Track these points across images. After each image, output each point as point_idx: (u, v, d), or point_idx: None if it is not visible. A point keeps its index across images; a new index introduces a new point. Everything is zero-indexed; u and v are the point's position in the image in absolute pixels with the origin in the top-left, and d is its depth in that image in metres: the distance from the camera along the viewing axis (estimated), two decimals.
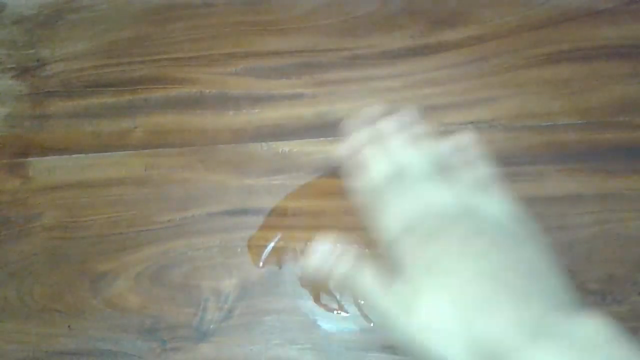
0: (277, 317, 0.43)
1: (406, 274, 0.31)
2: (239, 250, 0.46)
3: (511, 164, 0.47)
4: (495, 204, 0.35)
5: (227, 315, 0.44)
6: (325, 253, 0.36)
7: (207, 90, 0.52)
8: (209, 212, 0.48)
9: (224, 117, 0.51)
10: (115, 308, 0.45)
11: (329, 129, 0.50)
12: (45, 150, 0.52)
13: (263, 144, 0.50)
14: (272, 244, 0.46)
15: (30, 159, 0.51)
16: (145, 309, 0.45)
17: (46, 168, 0.51)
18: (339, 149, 0.39)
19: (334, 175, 0.48)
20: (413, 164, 0.37)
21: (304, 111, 0.51)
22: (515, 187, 0.45)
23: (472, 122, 0.49)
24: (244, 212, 0.47)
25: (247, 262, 0.46)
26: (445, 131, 0.48)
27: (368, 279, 0.34)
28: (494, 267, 0.29)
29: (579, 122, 0.48)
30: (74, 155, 0.51)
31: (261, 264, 0.46)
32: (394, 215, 0.35)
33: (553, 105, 0.49)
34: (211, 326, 0.44)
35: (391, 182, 0.37)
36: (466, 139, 0.39)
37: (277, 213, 0.47)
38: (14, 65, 0.55)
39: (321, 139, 0.49)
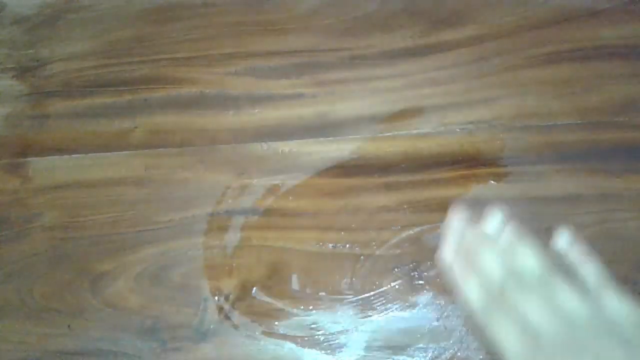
0: (277, 317, 0.43)
1: None
2: (239, 250, 0.46)
3: (511, 164, 0.47)
4: (623, 305, 0.33)
5: (228, 315, 0.44)
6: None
7: (207, 90, 0.52)
8: (209, 212, 0.48)
9: (224, 117, 0.51)
10: (115, 308, 0.45)
11: (329, 129, 0.50)
12: (45, 150, 0.52)
13: (263, 144, 0.50)
14: None
15: (30, 159, 0.51)
16: (145, 309, 0.45)
17: (46, 168, 0.51)
18: (442, 256, 0.39)
19: (333, 175, 0.48)
20: (528, 268, 0.35)
21: (304, 111, 0.51)
22: (515, 187, 0.46)
23: (472, 122, 0.49)
24: (244, 212, 0.47)
25: (247, 262, 0.46)
26: (446, 131, 0.48)
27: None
28: None
29: (579, 122, 0.48)
30: (74, 155, 0.51)
31: None
32: (516, 327, 0.33)
33: (553, 105, 0.49)
34: (211, 326, 0.44)
35: (508, 290, 0.34)
36: (568, 237, 0.38)
37: (277, 213, 0.47)
38: (14, 65, 0.55)
39: (321, 139, 0.49)
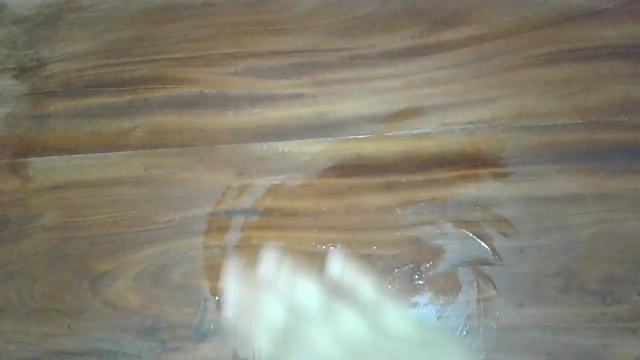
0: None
1: None
2: (240, 250, 0.46)
3: (511, 164, 0.47)
4: (400, 320, 0.34)
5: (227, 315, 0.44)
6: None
7: (207, 90, 0.52)
8: (209, 212, 0.48)
9: (224, 117, 0.51)
10: (115, 308, 0.45)
11: (329, 129, 0.50)
12: (45, 150, 0.52)
13: (263, 144, 0.50)
14: None
15: (30, 159, 0.51)
16: (145, 309, 0.45)
17: (46, 168, 0.51)
18: (227, 317, 0.36)
19: (333, 175, 0.48)
20: (307, 301, 0.35)
21: (304, 111, 0.51)
22: (515, 187, 0.46)
23: (472, 122, 0.49)
24: (244, 212, 0.47)
25: (247, 262, 0.46)
26: (446, 131, 0.48)
27: None
28: None
29: (579, 122, 0.48)
30: (74, 155, 0.51)
31: None
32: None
33: (553, 105, 0.49)
34: (211, 326, 0.44)
35: (293, 329, 0.33)
36: (339, 260, 0.37)
37: (277, 213, 0.47)
38: (14, 65, 0.55)
39: (321, 139, 0.49)
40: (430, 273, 0.44)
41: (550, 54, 0.51)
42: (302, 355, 0.32)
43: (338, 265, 0.37)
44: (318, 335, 0.32)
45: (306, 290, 0.34)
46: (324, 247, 0.45)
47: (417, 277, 0.44)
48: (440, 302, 0.43)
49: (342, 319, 0.33)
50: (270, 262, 0.38)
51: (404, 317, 0.34)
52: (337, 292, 0.35)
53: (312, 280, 0.35)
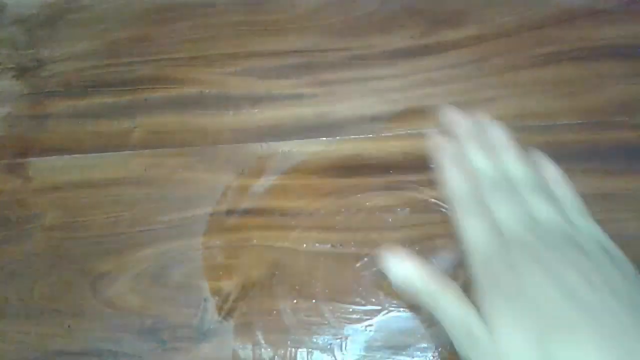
0: (278, 317, 0.43)
1: (500, 296, 0.30)
2: (239, 250, 0.46)
3: None
4: (594, 229, 0.35)
5: (228, 316, 0.44)
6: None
7: (207, 90, 0.52)
8: (209, 212, 0.48)
9: (224, 117, 0.51)
10: (115, 308, 0.45)
11: (329, 128, 0.50)
12: (45, 150, 0.52)
13: (263, 144, 0.50)
14: None
15: (30, 159, 0.51)
16: (146, 309, 0.45)
17: (46, 168, 0.51)
18: (434, 141, 0.41)
19: (334, 175, 0.48)
20: (515, 172, 0.37)
21: (304, 111, 0.51)
22: None
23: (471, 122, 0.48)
24: (244, 212, 0.47)
25: (248, 262, 0.46)
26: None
27: (451, 301, 0.33)
28: (593, 298, 0.28)
29: (579, 122, 0.48)
30: (74, 155, 0.51)
31: None
32: (485, 222, 0.34)
33: (553, 105, 0.49)
34: (211, 326, 0.44)
35: (488, 187, 0.36)
36: (545, 159, 0.41)
37: (277, 213, 0.47)
38: (13, 65, 0.55)
39: (321, 138, 0.49)
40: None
41: (550, 54, 0.51)
42: (484, 213, 0.35)
43: (544, 161, 0.41)
44: (508, 204, 0.34)
45: (514, 162, 0.38)
46: (323, 247, 0.45)
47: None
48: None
49: (536, 201, 0.35)
50: (488, 123, 0.42)
51: (592, 223, 0.36)
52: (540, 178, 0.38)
53: (523, 156, 0.39)
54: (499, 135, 0.41)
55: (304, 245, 0.46)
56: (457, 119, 0.43)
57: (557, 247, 0.31)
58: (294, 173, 0.48)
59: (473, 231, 0.34)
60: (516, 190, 0.36)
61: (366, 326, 0.42)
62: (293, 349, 0.42)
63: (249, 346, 0.43)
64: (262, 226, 0.47)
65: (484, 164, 0.38)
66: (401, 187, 0.47)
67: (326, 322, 0.43)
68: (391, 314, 0.43)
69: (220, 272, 0.45)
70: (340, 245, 0.45)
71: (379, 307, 0.43)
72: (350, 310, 0.43)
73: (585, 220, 0.36)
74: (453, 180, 0.38)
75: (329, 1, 0.55)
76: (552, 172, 0.40)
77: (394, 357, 0.41)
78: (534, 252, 0.31)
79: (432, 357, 0.41)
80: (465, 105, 0.49)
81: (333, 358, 0.42)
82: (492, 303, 0.30)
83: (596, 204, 0.44)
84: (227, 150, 0.50)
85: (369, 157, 0.48)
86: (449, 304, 0.33)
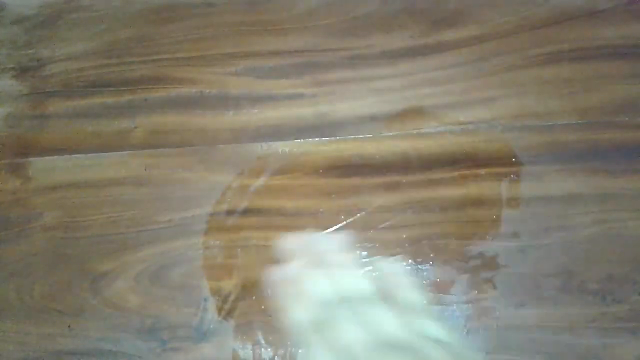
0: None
1: None
2: (239, 250, 0.46)
3: (511, 163, 0.47)
4: (444, 333, 0.33)
5: (227, 315, 0.44)
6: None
7: (207, 90, 0.52)
8: (209, 212, 0.48)
9: (224, 117, 0.51)
10: (115, 308, 0.45)
11: (328, 128, 0.50)
12: (45, 150, 0.52)
13: (263, 144, 0.50)
14: None
15: (30, 159, 0.51)
16: (145, 309, 0.45)
17: (46, 168, 0.51)
18: (275, 274, 0.38)
19: (333, 175, 0.48)
20: (355, 289, 0.35)
21: (304, 111, 0.51)
22: (515, 186, 0.46)
23: (472, 122, 0.49)
24: (244, 212, 0.47)
25: (248, 262, 0.46)
26: (446, 131, 0.48)
27: None
28: None
29: (579, 121, 0.48)
30: (74, 155, 0.51)
31: None
32: (336, 347, 0.32)
33: (553, 105, 0.49)
34: (211, 326, 0.44)
35: (333, 309, 0.34)
36: (396, 265, 0.38)
37: (277, 213, 0.47)
38: (13, 65, 0.55)
39: (321, 138, 0.49)
40: (431, 273, 0.44)
41: (550, 54, 0.51)
42: (330, 342, 0.32)
43: (391, 266, 0.37)
44: (352, 325, 0.33)
45: (355, 281, 0.35)
46: None
47: (417, 277, 0.44)
48: (440, 302, 0.43)
49: (379, 315, 0.33)
50: (334, 243, 0.39)
51: (439, 327, 0.34)
52: (384, 289, 0.35)
53: (362, 272, 0.36)
54: (334, 255, 0.38)
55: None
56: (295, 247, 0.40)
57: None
58: (294, 173, 0.48)
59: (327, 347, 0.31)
60: (360, 312, 0.33)
61: None
62: (292, 349, 0.42)
63: (249, 346, 0.43)
64: (262, 226, 0.47)
65: (322, 292, 0.35)
66: (401, 187, 0.47)
67: None
68: None
69: (220, 272, 0.45)
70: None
71: None
72: None
73: (432, 322, 0.33)
74: (294, 316, 0.35)
75: (329, 1, 0.55)
76: (398, 280, 0.37)
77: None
78: None
79: None
80: (466, 105, 0.49)
81: None
82: None
83: (596, 203, 0.45)
84: (227, 150, 0.50)
85: (369, 157, 0.48)
86: None
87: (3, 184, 0.51)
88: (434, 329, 0.33)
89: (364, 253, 0.45)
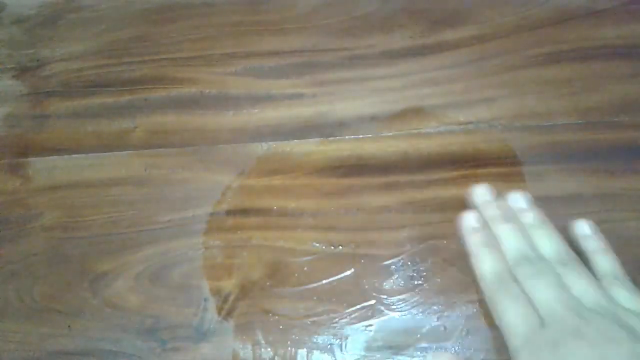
0: (277, 317, 0.43)
1: None
2: (239, 250, 0.46)
3: (511, 163, 0.47)
4: (634, 298, 0.34)
5: (228, 315, 0.44)
6: None
7: (207, 90, 0.52)
8: (209, 212, 0.48)
9: (224, 117, 0.51)
10: (115, 308, 0.45)
11: (328, 128, 0.50)
12: (45, 150, 0.52)
13: (263, 143, 0.50)
14: None
15: (30, 159, 0.51)
16: (145, 309, 0.45)
17: (46, 168, 0.51)
18: (464, 221, 0.41)
19: (333, 175, 0.48)
20: (546, 249, 0.37)
21: (304, 111, 0.51)
22: (516, 186, 0.46)
23: (472, 122, 0.49)
24: (244, 212, 0.47)
25: (248, 262, 0.46)
26: (446, 131, 0.48)
27: None
28: None
29: (579, 121, 0.48)
30: (74, 155, 0.51)
31: None
32: (522, 305, 0.33)
33: (553, 105, 0.49)
34: (211, 326, 0.44)
35: (521, 268, 0.35)
36: (588, 228, 0.40)
37: (277, 213, 0.47)
38: (13, 65, 0.55)
39: (321, 138, 0.49)
40: (431, 273, 0.44)
41: (550, 54, 0.51)
42: (520, 296, 0.34)
43: (585, 231, 0.40)
44: (544, 283, 0.34)
45: (547, 239, 0.38)
46: (323, 247, 0.45)
47: (417, 277, 0.44)
48: (440, 302, 0.43)
49: (572, 277, 0.34)
50: (520, 200, 0.42)
51: (637, 296, 0.34)
52: (575, 253, 0.37)
53: (555, 232, 0.39)
54: (529, 214, 0.41)
55: (304, 245, 0.46)
56: (487, 199, 0.43)
57: (598, 324, 0.30)
58: (294, 173, 0.48)
59: (510, 314, 0.33)
60: (551, 269, 0.35)
61: (366, 326, 0.42)
62: (293, 349, 0.42)
63: (249, 346, 0.43)
64: (262, 226, 0.47)
65: (516, 245, 0.37)
66: (401, 187, 0.47)
67: (326, 322, 0.43)
68: (391, 314, 0.43)
69: (220, 272, 0.45)
70: (340, 245, 0.45)
71: (380, 307, 0.43)
72: (350, 310, 0.43)
73: (627, 292, 0.35)
74: (484, 263, 0.38)
75: (329, 1, 0.55)
76: (593, 243, 0.39)
77: (394, 357, 0.41)
78: (575, 331, 0.30)
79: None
80: (466, 105, 0.49)
81: (333, 358, 0.42)
82: None
83: (597, 204, 0.45)
84: (227, 150, 0.50)
85: (369, 157, 0.48)
86: None
87: (2, 184, 0.51)
88: (626, 297, 0.34)
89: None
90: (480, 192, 0.43)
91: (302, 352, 0.42)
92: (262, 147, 0.50)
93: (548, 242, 0.38)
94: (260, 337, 0.43)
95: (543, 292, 0.33)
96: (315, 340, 0.42)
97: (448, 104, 0.50)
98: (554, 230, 0.39)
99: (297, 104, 0.51)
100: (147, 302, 0.45)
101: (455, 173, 0.47)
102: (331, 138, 0.49)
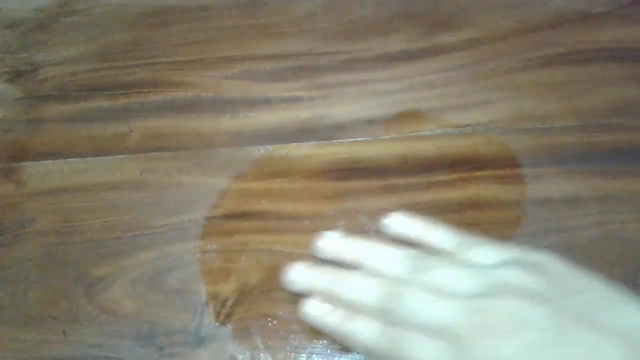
0: (276, 322, 0.43)
1: None
2: (237, 254, 0.46)
3: (509, 166, 0.47)
4: (488, 250, 0.34)
5: (225, 320, 0.43)
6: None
7: (204, 94, 0.52)
8: (205, 216, 0.47)
9: (220, 120, 0.51)
10: (111, 314, 0.45)
11: (326, 132, 0.50)
12: (40, 154, 0.51)
13: (260, 147, 0.49)
14: None
15: (24, 163, 0.51)
16: (142, 314, 0.44)
17: (40, 172, 0.50)
18: (310, 311, 0.37)
19: (331, 178, 0.48)
20: (392, 268, 0.35)
21: (301, 114, 0.51)
22: (513, 189, 0.46)
23: (469, 125, 0.49)
24: (242, 216, 0.47)
25: (245, 266, 0.45)
26: (444, 134, 0.48)
27: None
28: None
29: (576, 124, 0.48)
30: (68, 160, 0.51)
31: None
32: (427, 339, 0.31)
33: (550, 108, 0.49)
34: (209, 331, 0.43)
35: (392, 312, 0.33)
36: (401, 216, 0.39)
37: (274, 216, 0.47)
38: (7, 69, 0.55)
39: (319, 141, 0.49)
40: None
41: (546, 57, 0.51)
42: (414, 329, 0.32)
43: (399, 223, 0.39)
44: (424, 305, 0.32)
45: (391, 259, 0.35)
46: None
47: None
48: None
49: (440, 277, 0.33)
50: (329, 247, 0.39)
51: (489, 246, 0.34)
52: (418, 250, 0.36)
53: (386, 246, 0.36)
54: (352, 249, 0.38)
55: (302, 249, 0.45)
56: (308, 276, 0.38)
57: (492, 309, 0.29)
58: (291, 176, 0.48)
59: (424, 355, 0.30)
60: (413, 287, 0.32)
61: None
62: (292, 354, 0.42)
63: (247, 351, 0.42)
64: (260, 230, 0.46)
65: (369, 297, 0.34)
66: (399, 190, 0.47)
67: None
68: None
69: (218, 277, 0.45)
70: None
71: None
72: None
73: (480, 249, 0.34)
74: (359, 331, 0.33)
75: (325, 4, 0.55)
76: (417, 227, 0.38)
77: None
78: (483, 329, 0.29)
79: None
80: (463, 108, 0.49)
81: None
82: None
83: (595, 206, 0.45)
84: (224, 153, 0.49)
85: (366, 160, 0.48)
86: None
87: None
88: (482, 254, 0.33)
89: None
90: (295, 275, 0.39)
91: (301, 357, 0.42)
92: (259, 151, 0.49)
93: (390, 258, 0.35)
94: (258, 342, 0.42)
95: (428, 314, 0.31)
96: (314, 345, 0.42)
97: (445, 107, 0.50)
98: (386, 241, 0.37)
99: (294, 107, 0.51)
100: (143, 308, 0.45)
101: (453, 176, 0.47)
102: (329, 141, 0.49)
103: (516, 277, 0.30)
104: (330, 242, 0.39)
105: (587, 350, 0.27)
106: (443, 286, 0.32)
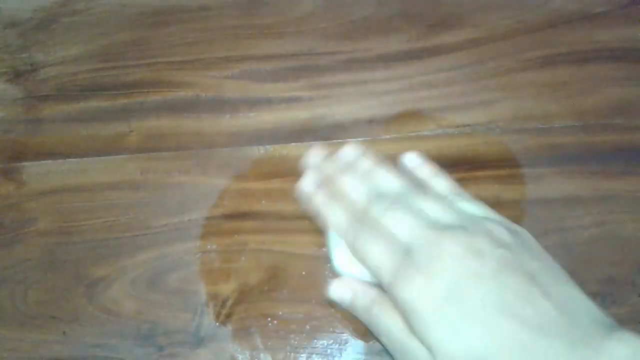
0: (276, 322, 0.43)
1: (426, 309, 0.30)
2: (237, 254, 0.46)
3: (509, 166, 0.47)
4: (475, 206, 0.37)
5: (225, 320, 0.43)
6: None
7: (203, 94, 0.52)
8: (205, 216, 0.47)
9: (220, 120, 0.51)
10: (111, 314, 0.45)
11: (326, 132, 0.50)
12: (40, 154, 0.51)
13: (260, 147, 0.49)
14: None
15: (24, 163, 0.51)
16: (142, 314, 0.44)
17: (40, 172, 0.50)
18: (301, 187, 0.42)
19: None
20: (391, 185, 0.38)
21: (301, 114, 0.51)
22: (514, 189, 0.46)
23: (469, 125, 0.49)
24: (242, 215, 0.47)
25: (245, 266, 0.45)
26: (444, 134, 0.48)
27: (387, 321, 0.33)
28: (515, 290, 0.29)
29: (576, 124, 0.48)
30: (68, 160, 0.51)
31: None
32: (384, 242, 0.34)
33: (550, 108, 0.49)
34: (209, 331, 0.43)
35: (371, 208, 0.36)
36: (416, 158, 0.42)
37: (274, 217, 0.47)
38: (7, 69, 0.55)
39: (318, 142, 0.49)
40: None
41: (546, 57, 0.51)
42: (379, 234, 0.34)
43: (414, 162, 0.42)
44: (398, 216, 0.35)
45: (387, 177, 0.39)
46: (322, 250, 0.45)
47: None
48: None
49: (421, 203, 0.35)
50: (352, 150, 0.43)
51: (477, 203, 0.37)
52: (415, 183, 0.39)
53: (392, 169, 0.39)
54: (364, 160, 0.41)
55: (302, 249, 0.45)
56: (319, 160, 0.44)
57: (459, 237, 0.31)
58: (291, 176, 0.48)
59: (373, 254, 0.34)
60: (402, 200, 0.36)
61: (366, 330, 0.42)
62: (292, 354, 0.42)
63: (247, 351, 0.42)
64: (260, 230, 0.46)
65: (362, 189, 0.38)
66: None
67: (325, 327, 0.43)
68: None
69: (218, 277, 0.45)
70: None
71: None
72: (350, 314, 0.43)
73: (470, 203, 0.37)
74: (334, 214, 0.38)
75: (326, 5, 0.55)
76: (426, 170, 0.42)
77: None
78: (439, 246, 0.31)
79: None
80: (463, 108, 0.49)
81: None
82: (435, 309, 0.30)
83: (594, 205, 0.45)
84: (224, 153, 0.49)
85: None
86: (382, 320, 0.34)
87: None
88: (472, 208, 0.36)
89: None
90: (313, 154, 0.44)
91: (301, 357, 0.42)
92: (259, 151, 0.49)
93: (391, 178, 0.38)
94: (258, 342, 0.42)
95: (400, 222, 0.34)
96: (314, 345, 0.42)
97: (445, 106, 0.50)
98: (389, 167, 0.40)
99: (294, 107, 0.51)
100: (143, 308, 0.45)
101: (453, 175, 0.46)
102: (329, 141, 0.49)
103: (492, 227, 0.33)
104: (352, 149, 0.43)
105: (516, 298, 0.28)
106: (422, 211, 0.35)
